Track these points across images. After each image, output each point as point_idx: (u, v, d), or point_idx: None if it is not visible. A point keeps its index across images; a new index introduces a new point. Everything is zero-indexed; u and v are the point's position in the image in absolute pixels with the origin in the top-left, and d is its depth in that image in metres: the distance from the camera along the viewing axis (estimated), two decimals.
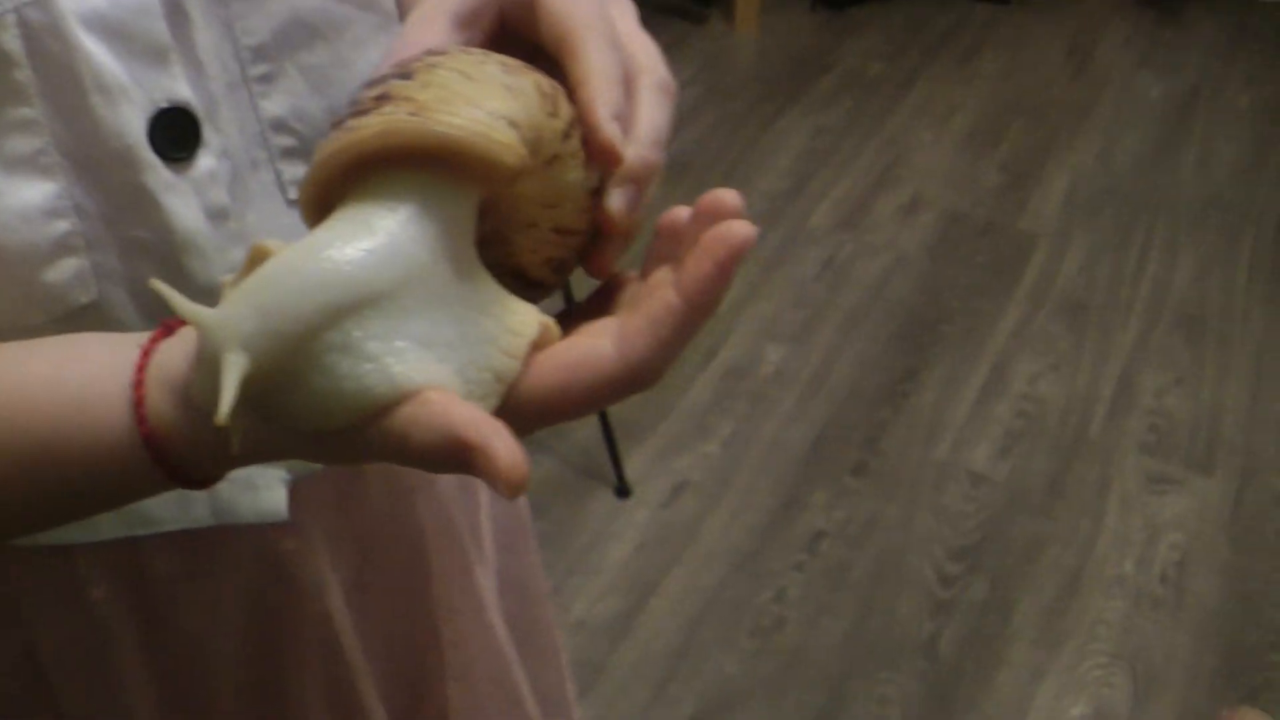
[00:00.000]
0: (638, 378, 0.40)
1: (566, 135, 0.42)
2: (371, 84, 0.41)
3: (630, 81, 0.45)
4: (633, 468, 2.05)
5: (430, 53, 0.42)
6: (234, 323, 0.36)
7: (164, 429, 0.44)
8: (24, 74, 0.49)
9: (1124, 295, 2.47)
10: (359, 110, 0.40)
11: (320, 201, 0.40)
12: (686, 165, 2.75)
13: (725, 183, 2.68)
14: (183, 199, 0.53)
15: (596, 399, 0.40)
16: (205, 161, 0.54)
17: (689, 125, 2.89)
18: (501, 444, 0.36)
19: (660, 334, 0.40)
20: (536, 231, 0.43)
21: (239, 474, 0.61)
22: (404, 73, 0.41)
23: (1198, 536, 1.99)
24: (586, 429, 2.10)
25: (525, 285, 0.45)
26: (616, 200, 0.44)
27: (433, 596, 0.80)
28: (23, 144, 0.50)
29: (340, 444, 0.39)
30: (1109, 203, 2.73)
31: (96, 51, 0.50)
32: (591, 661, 1.79)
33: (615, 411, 2.06)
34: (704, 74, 3.08)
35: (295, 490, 0.66)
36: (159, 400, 0.44)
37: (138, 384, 0.45)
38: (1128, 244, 2.61)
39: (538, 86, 0.42)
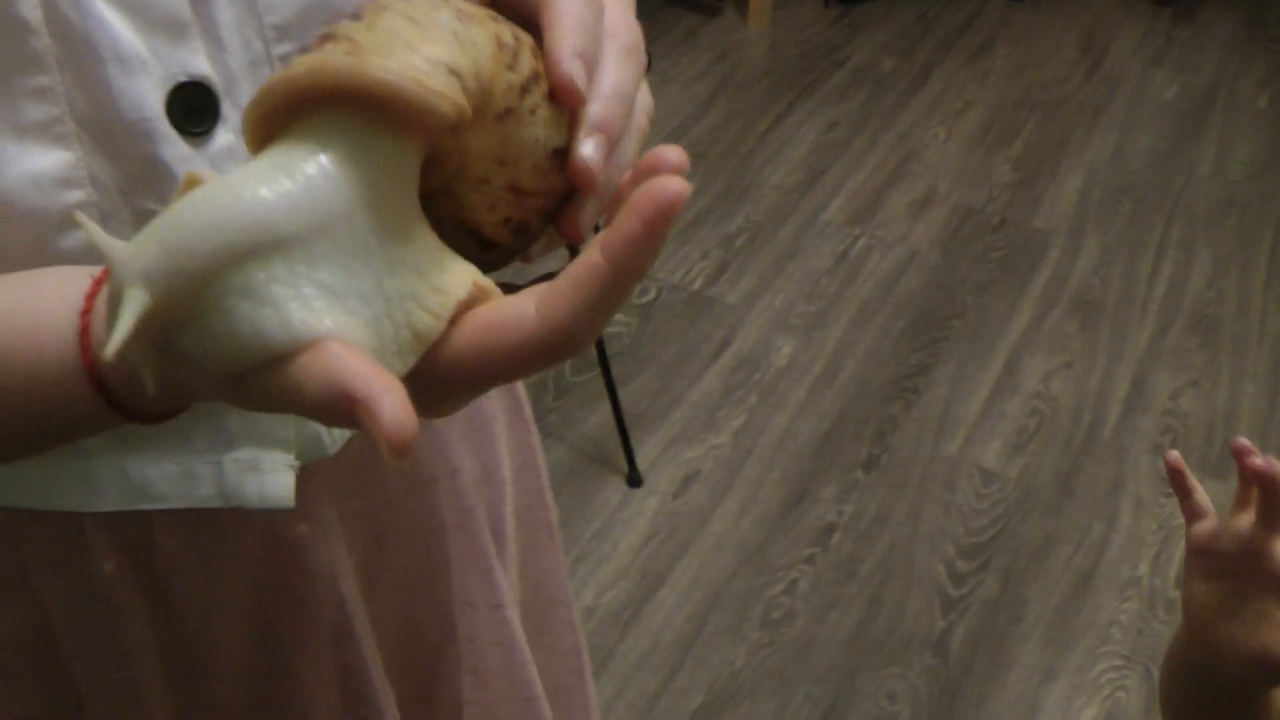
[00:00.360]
0: (559, 342, 0.38)
1: (525, 90, 0.41)
2: (327, 25, 0.41)
3: (597, 43, 0.44)
4: (643, 457, 2.04)
5: None
6: (138, 258, 0.35)
7: (106, 360, 0.44)
8: (42, 42, 0.48)
9: (1139, 295, 2.45)
10: (304, 48, 0.38)
11: (260, 140, 0.39)
12: (699, 158, 2.73)
13: (738, 176, 2.67)
14: None
15: (518, 363, 0.38)
16: (223, 137, 0.54)
17: (701, 118, 2.87)
18: (389, 401, 0.34)
19: (583, 297, 0.37)
20: (489, 189, 0.41)
21: (244, 455, 0.62)
22: (355, 14, 0.39)
23: None
24: (598, 417, 2.09)
25: (482, 245, 0.43)
26: (582, 151, 0.42)
27: (449, 589, 0.79)
28: (38, 111, 0.49)
29: (246, 390, 0.37)
30: (1124, 201, 2.71)
31: (115, 22, 0.50)
32: (600, 650, 1.77)
33: (625, 400, 2.04)
34: (716, 68, 3.06)
35: (310, 474, 0.65)
36: (104, 332, 0.43)
37: (84, 312, 0.45)
38: (1143, 243, 2.59)
39: (495, 37, 0.40)
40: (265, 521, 0.65)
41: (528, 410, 0.87)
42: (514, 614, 0.83)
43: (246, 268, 0.35)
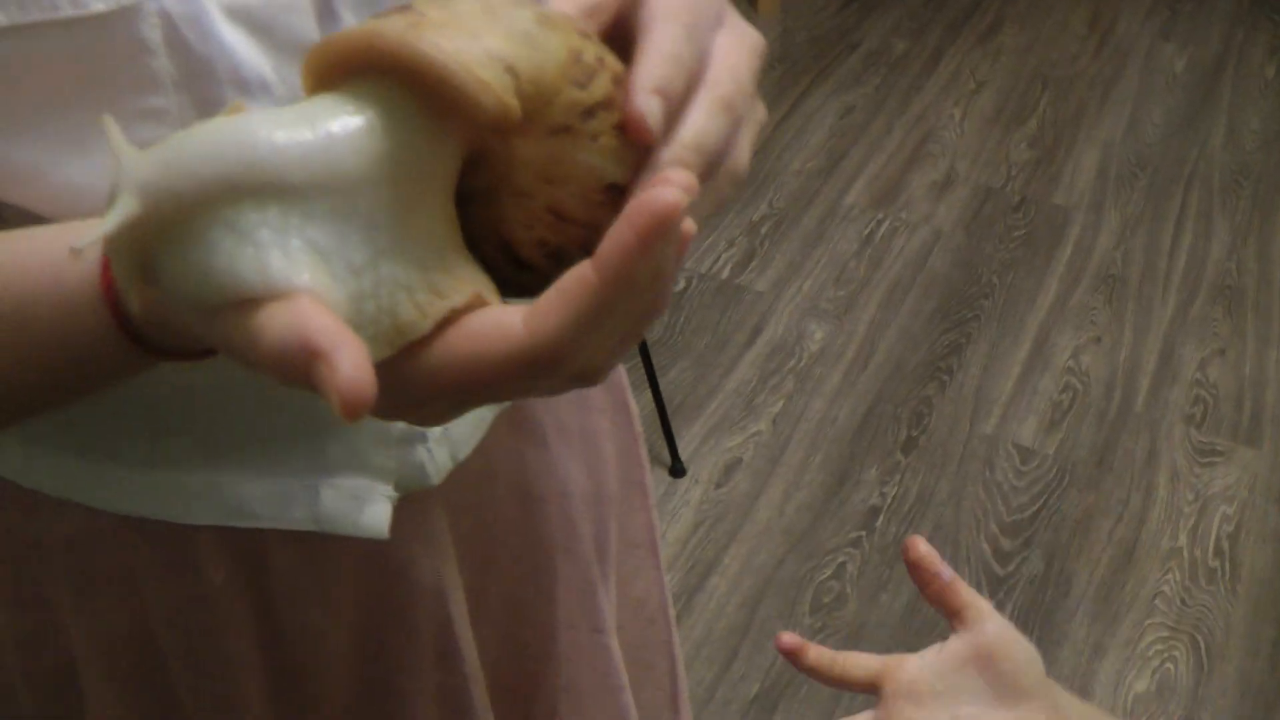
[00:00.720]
0: (545, 357, 0.36)
1: (591, 113, 0.39)
2: None
3: (694, 87, 0.41)
4: (684, 447, 2.06)
5: None
6: (140, 167, 0.34)
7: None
8: (160, 63, 0.48)
9: (1161, 268, 2.47)
10: (379, 13, 0.38)
11: (311, 93, 0.38)
12: None
13: (759, 163, 2.68)
14: None
15: (501, 377, 0.36)
16: None
17: None
18: (350, 357, 0.32)
19: (571, 309, 0.35)
20: (529, 204, 0.39)
21: (343, 484, 0.61)
22: None
23: (1248, 508, 1.99)
24: (639, 408, 2.10)
25: (513, 263, 0.41)
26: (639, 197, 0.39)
27: (553, 610, 0.79)
28: (153, 134, 0.49)
29: (218, 331, 0.36)
30: (1140, 176, 2.73)
31: (238, 45, 0.50)
32: None
33: (663, 391, 2.06)
34: None
35: (421, 495, 0.65)
36: None
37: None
38: (1162, 216, 2.61)
39: (572, 50, 0.38)
40: (375, 541, 0.65)
41: (638, 425, 0.86)
42: (613, 639, 0.83)
43: (240, 204, 0.34)
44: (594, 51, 0.39)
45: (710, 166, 0.41)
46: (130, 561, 0.64)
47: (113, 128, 0.35)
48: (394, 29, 0.36)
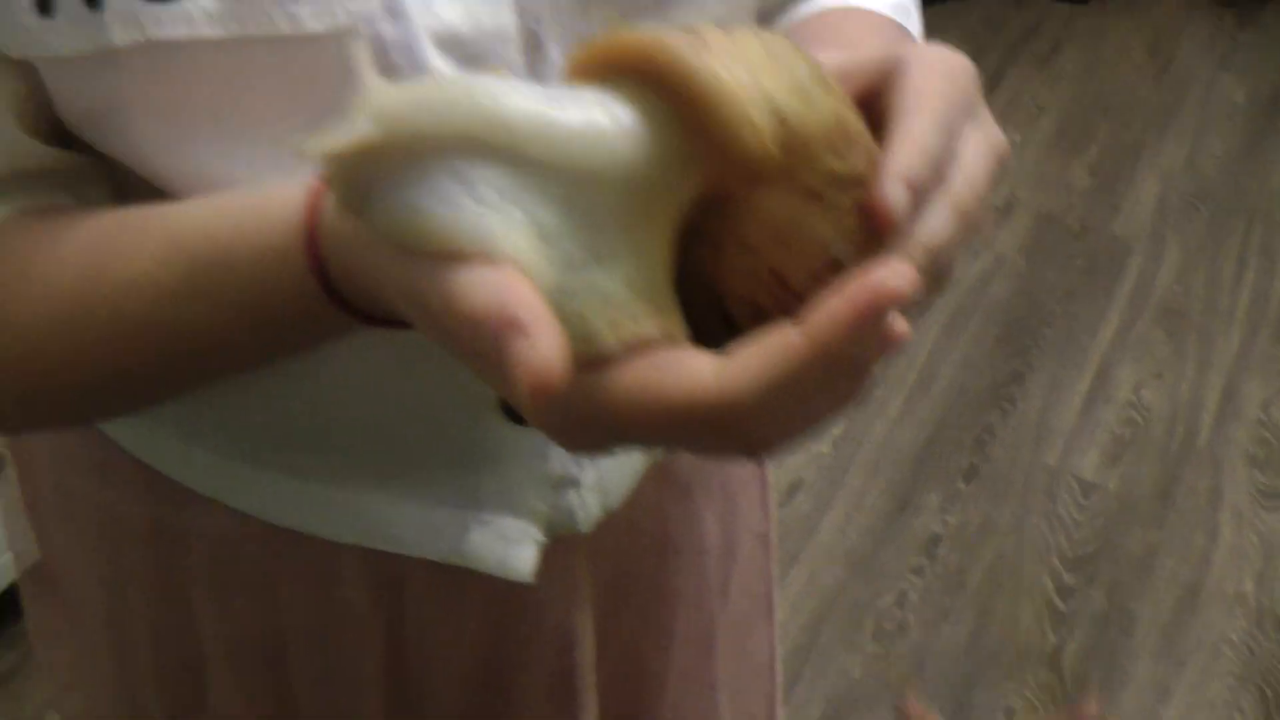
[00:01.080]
0: (726, 413, 0.34)
1: (840, 184, 0.37)
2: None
3: (936, 184, 0.39)
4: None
5: (770, 30, 0.39)
6: (387, 98, 0.34)
7: (329, 229, 0.42)
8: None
9: (1223, 303, 2.45)
10: (668, 30, 0.37)
11: (576, 80, 0.38)
12: None
13: None
14: None
15: (674, 420, 0.35)
16: None
17: None
18: (551, 339, 0.31)
19: (768, 371, 0.33)
20: (753, 261, 0.38)
21: (493, 521, 0.61)
22: (728, 28, 0.38)
23: None
24: None
25: (714, 312, 0.39)
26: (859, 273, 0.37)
27: (669, 661, 0.79)
28: None
29: (411, 278, 0.35)
30: (1201, 207, 2.71)
31: (445, 72, 0.49)
32: None
33: None
34: None
35: (567, 540, 0.64)
36: (331, 213, 0.42)
37: (313, 193, 0.44)
38: (1223, 250, 2.59)
39: (839, 117, 0.38)
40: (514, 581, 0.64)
41: (770, 475, 0.86)
42: (722, 693, 0.83)
43: (476, 160, 0.33)
44: (857, 124, 0.38)
45: (932, 271, 0.39)
46: (271, 568, 0.64)
47: (362, 53, 0.35)
48: (679, 43, 0.35)
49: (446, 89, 0.34)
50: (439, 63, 0.49)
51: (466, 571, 0.63)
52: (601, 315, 0.35)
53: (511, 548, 0.62)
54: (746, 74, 0.35)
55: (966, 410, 2.18)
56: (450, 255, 0.33)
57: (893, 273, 0.33)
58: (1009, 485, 2.05)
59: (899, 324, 0.35)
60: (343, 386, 0.58)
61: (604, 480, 0.64)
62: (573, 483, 0.63)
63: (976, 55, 3.17)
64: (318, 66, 0.47)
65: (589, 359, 0.35)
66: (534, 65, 0.51)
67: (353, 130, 0.33)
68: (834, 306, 0.33)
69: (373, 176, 0.34)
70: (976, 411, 2.18)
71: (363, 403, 0.59)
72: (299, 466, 0.61)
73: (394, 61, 0.48)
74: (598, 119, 0.35)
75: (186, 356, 0.49)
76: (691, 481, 0.74)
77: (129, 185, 0.52)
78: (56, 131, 0.51)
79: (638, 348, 0.36)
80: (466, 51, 0.49)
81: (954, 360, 2.28)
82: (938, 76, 0.40)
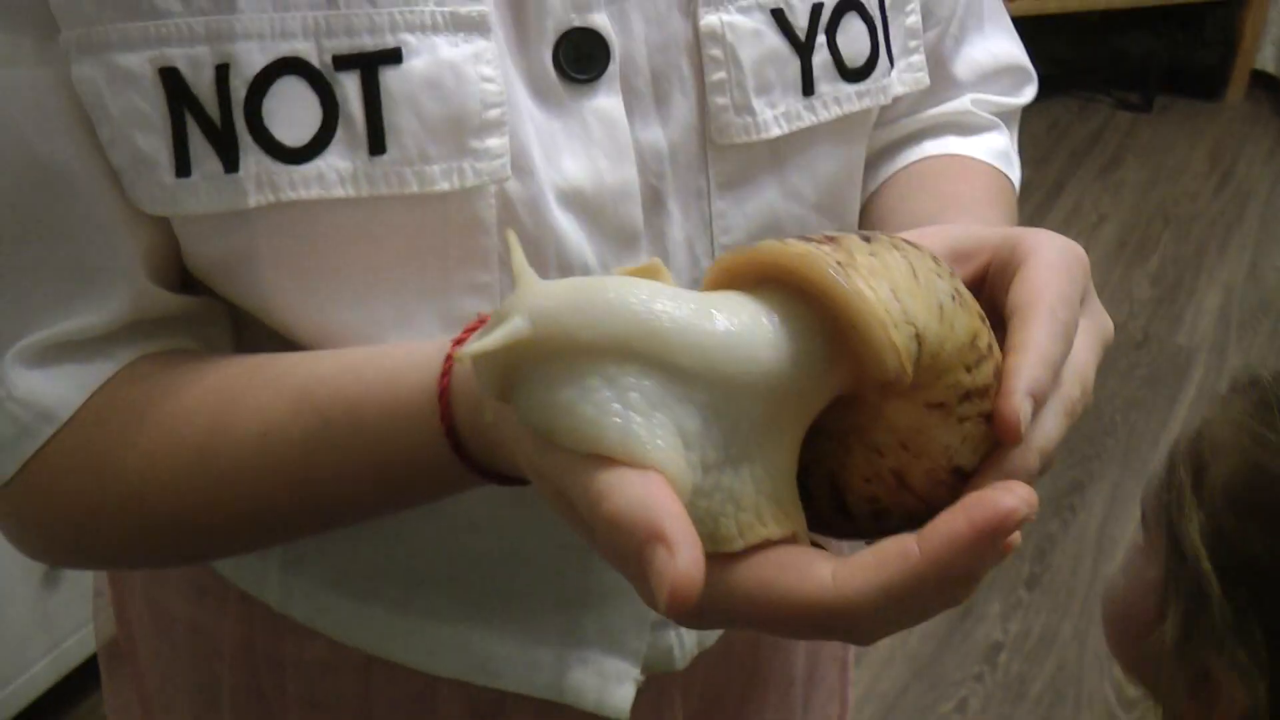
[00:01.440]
0: (842, 614, 0.35)
1: (968, 397, 0.39)
2: (842, 230, 0.42)
3: (1053, 386, 0.41)
4: None
5: (908, 240, 0.40)
6: (543, 296, 0.35)
7: (460, 393, 0.44)
8: (491, 242, 0.50)
9: None
10: (806, 236, 0.39)
11: (721, 284, 0.39)
12: None
13: None
14: None
15: (791, 617, 0.36)
16: None
17: None
18: (691, 553, 0.32)
19: (883, 579, 0.35)
20: (878, 462, 0.40)
21: (593, 659, 0.62)
22: (868, 236, 0.39)
23: None
24: None
25: (835, 505, 0.41)
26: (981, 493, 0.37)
27: None
28: (472, 305, 0.51)
29: (547, 469, 0.36)
30: (1264, 319, 2.74)
31: (568, 229, 0.51)
32: None
33: None
34: None
35: (661, 675, 0.64)
36: (466, 380, 0.44)
37: (448, 357, 0.45)
38: None
39: (973, 333, 0.39)
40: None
41: None
42: None
43: (626, 366, 0.34)
44: (987, 338, 0.39)
45: (1039, 470, 0.41)
46: (367, 694, 0.64)
47: (516, 246, 0.37)
48: (826, 262, 0.36)
49: (600, 293, 0.35)
50: (561, 219, 0.51)
51: (566, 711, 0.63)
52: (731, 518, 0.36)
53: (610, 685, 0.62)
54: (890, 293, 0.36)
55: None
56: (594, 457, 0.34)
57: (1014, 497, 0.35)
58: (1070, 594, 2.08)
59: (1012, 536, 0.36)
60: (451, 525, 0.59)
61: None
62: (671, 624, 0.63)
63: (1039, 162, 3.24)
64: (445, 223, 0.49)
65: (720, 555, 0.36)
66: (654, 220, 0.54)
67: (509, 328, 0.34)
68: (955, 526, 0.34)
69: (520, 371, 0.35)
70: (1038, 520, 2.21)
71: (470, 541, 0.60)
72: (402, 601, 0.61)
73: (519, 217, 0.50)
74: (738, 329, 0.36)
75: (310, 508, 0.51)
76: None
77: (251, 327, 0.54)
78: (183, 277, 0.53)
79: (763, 544, 0.37)
80: (589, 208, 0.51)
81: None
82: (1057, 274, 0.41)
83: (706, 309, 0.36)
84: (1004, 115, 0.72)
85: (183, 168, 0.46)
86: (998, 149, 0.69)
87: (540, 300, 0.35)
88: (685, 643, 0.65)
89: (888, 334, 0.36)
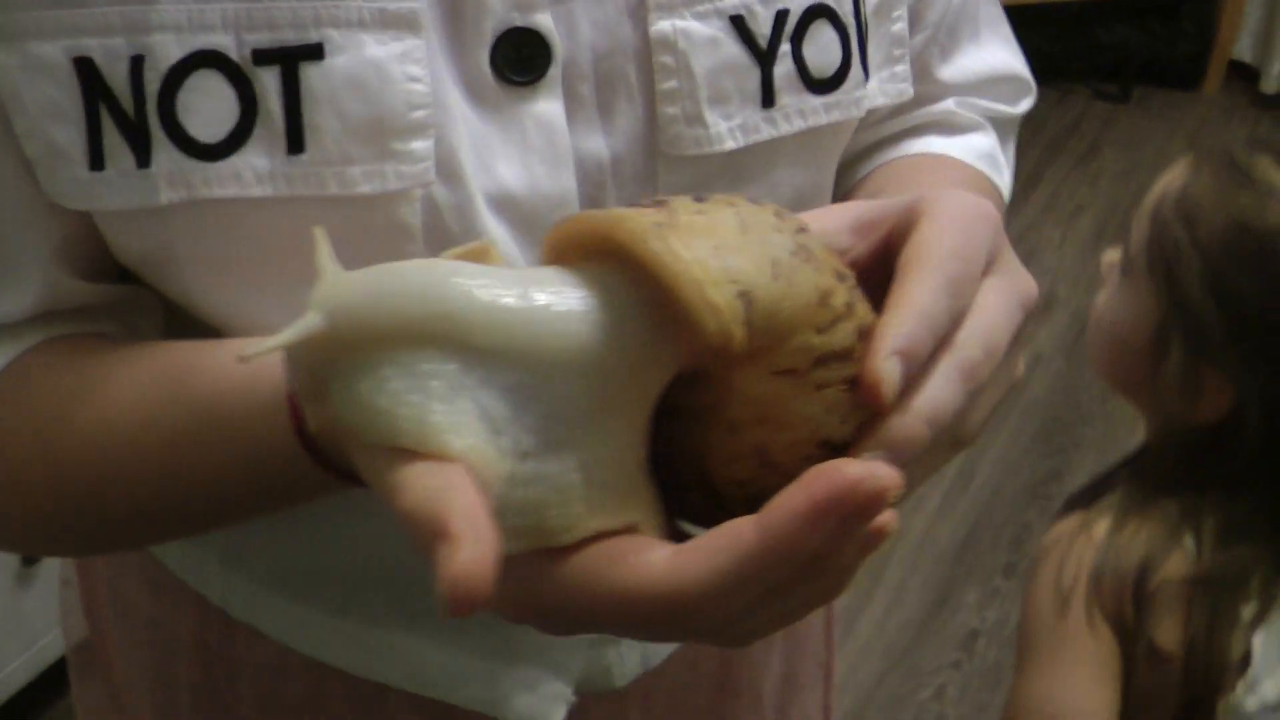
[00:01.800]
0: (678, 605, 0.33)
1: (822, 362, 0.35)
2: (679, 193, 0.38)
3: (944, 345, 0.37)
4: None
5: (751, 200, 0.37)
6: (338, 289, 0.33)
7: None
8: (415, 249, 0.48)
9: None
10: (635, 202, 0.37)
11: (550, 261, 0.37)
12: None
13: None
14: None
15: (629, 611, 0.33)
16: None
17: None
18: (474, 552, 0.30)
19: (715, 564, 0.32)
20: (737, 441, 0.36)
21: (523, 673, 0.60)
22: (702, 197, 0.36)
23: None
24: None
25: (707, 493, 0.38)
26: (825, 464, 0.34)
27: None
28: None
29: (364, 464, 0.35)
30: None
31: (500, 237, 0.49)
32: None
33: None
34: None
35: (620, 694, 0.63)
36: None
37: None
38: None
39: (821, 290, 0.35)
40: None
41: (836, 607, 0.84)
42: None
43: (421, 351, 0.33)
44: (844, 297, 0.36)
45: (938, 438, 0.36)
46: (319, 697, 0.64)
47: (321, 240, 0.34)
48: (639, 223, 0.34)
49: (395, 278, 0.33)
50: (492, 226, 0.48)
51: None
52: (556, 510, 0.34)
53: (542, 704, 0.61)
54: (712, 252, 0.34)
55: (1005, 507, 2.22)
56: (397, 449, 0.33)
57: (860, 467, 0.31)
58: None
59: (885, 517, 0.32)
60: (385, 528, 0.55)
61: None
62: (611, 640, 0.62)
63: (1019, 151, 3.24)
64: (368, 227, 0.47)
65: (542, 547, 0.34)
66: None
67: (301, 325, 0.33)
68: (793, 502, 0.31)
69: (324, 371, 0.34)
70: (1015, 509, 2.22)
71: (401, 546, 0.58)
72: (340, 604, 0.60)
73: (446, 223, 0.48)
74: (543, 303, 0.33)
75: (182, 501, 0.49)
76: None
77: (182, 317, 0.52)
78: (113, 267, 0.51)
79: (594, 538, 0.34)
80: (523, 215, 0.49)
81: (993, 457, 2.32)
82: (952, 231, 0.37)
83: (513, 286, 0.34)
84: (998, 123, 0.69)
85: (96, 161, 0.45)
86: (981, 149, 0.66)
87: (335, 292, 0.33)
88: (626, 661, 0.63)
89: (702, 293, 0.33)
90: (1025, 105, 0.71)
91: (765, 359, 0.35)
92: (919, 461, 0.36)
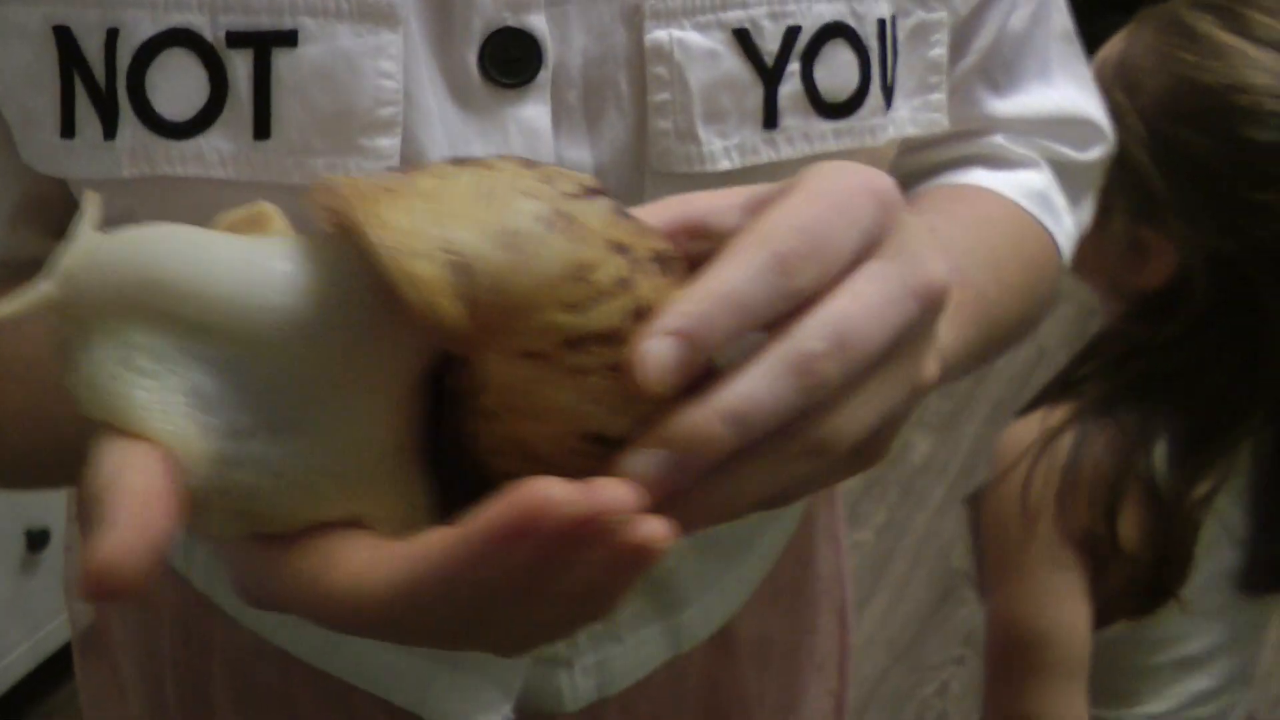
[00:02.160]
0: (371, 613, 0.30)
1: (577, 344, 0.31)
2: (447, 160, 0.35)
3: (770, 339, 0.32)
4: None
5: (530, 162, 0.34)
6: (76, 253, 0.31)
7: None
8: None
9: None
10: (391, 168, 0.33)
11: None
12: None
13: None
14: None
15: (332, 616, 0.31)
16: None
17: None
18: (113, 536, 0.28)
19: (414, 568, 0.30)
20: (496, 430, 0.33)
21: (462, 679, 0.59)
22: (465, 160, 0.33)
23: None
24: None
25: (484, 489, 0.33)
26: (632, 464, 0.31)
27: None
28: None
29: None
30: None
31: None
32: None
33: None
34: None
35: (596, 706, 0.62)
36: None
37: None
38: None
39: (576, 264, 0.31)
40: None
41: (850, 618, 0.81)
42: None
43: (133, 324, 0.31)
44: (616, 272, 0.31)
45: (760, 440, 0.31)
46: (287, 685, 0.63)
47: (92, 206, 0.32)
48: (356, 189, 0.31)
49: (124, 244, 0.31)
50: None
51: None
52: (271, 494, 0.31)
53: (475, 712, 0.59)
54: (428, 219, 0.30)
55: None
56: (105, 425, 0.31)
57: (561, 489, 0.28)
58: None
59: (637, 538, 0.28)
60: None
61: (607, 664, 0.61)
62: (562, 664, 0.60)
63: None
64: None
65: (260, 533, 0.32)
66: None
67: (32, 291, 0.31)
68: (489, 512, 0.28)
69: (66, 342, 0.32)
70: None
71: None
72: None
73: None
74: (259, 276, 0.31)
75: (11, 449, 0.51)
76: (743, 652, 0.70)
77: None
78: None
79: (316, 526, 0.32)
80: None
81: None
82: (815, 204, 0.33)
83: (230, 252, 0.31)
84: (1064, 168, 0.64)
85: (68, 130, 0.46)
86: (1031, 187, 0.62)
87: (68, 259, 0.31)
88: (579, 686, 0.61)
89: (399, 263, 0.29)
90: (1097, 152, 0.66)
91: (507, 340, 0.31)
92: (756, 473, 0.32)
